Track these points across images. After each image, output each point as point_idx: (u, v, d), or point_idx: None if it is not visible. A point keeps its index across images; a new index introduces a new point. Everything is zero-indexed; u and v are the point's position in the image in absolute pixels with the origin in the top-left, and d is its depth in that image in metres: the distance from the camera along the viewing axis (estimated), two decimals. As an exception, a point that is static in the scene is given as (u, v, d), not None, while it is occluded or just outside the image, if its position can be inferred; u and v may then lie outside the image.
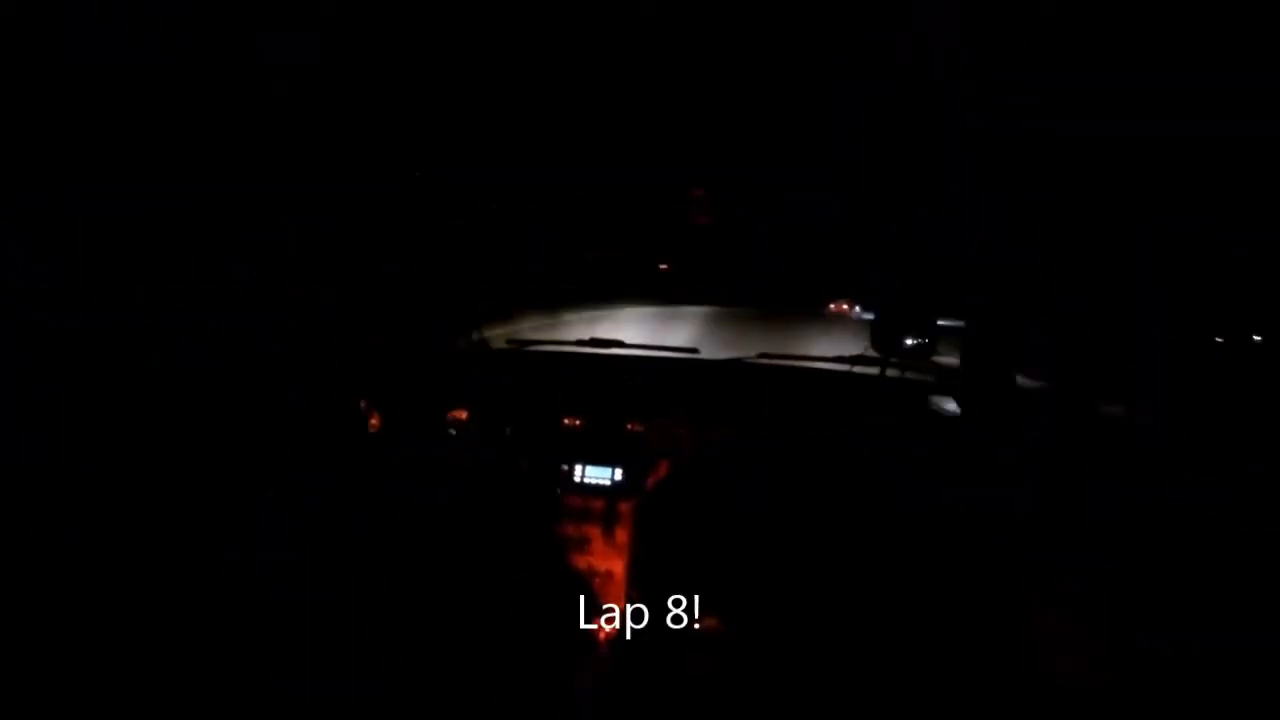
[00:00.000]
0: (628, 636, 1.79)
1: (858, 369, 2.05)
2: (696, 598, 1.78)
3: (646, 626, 1.78)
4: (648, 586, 1.82)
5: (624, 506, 1.83)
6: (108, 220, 2.14)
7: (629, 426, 1.93)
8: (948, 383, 1.96)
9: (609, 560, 1.85)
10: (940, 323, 1.91)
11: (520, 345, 2.33)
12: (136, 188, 2.17)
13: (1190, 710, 1.49)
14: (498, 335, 2.38)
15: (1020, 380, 1.89)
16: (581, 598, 1.84)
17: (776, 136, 2.16)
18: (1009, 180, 1.77)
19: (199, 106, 2.20)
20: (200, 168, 2.27)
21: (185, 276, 2.26)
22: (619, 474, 1.85)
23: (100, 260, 2.12)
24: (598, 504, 1.84)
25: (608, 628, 1.82)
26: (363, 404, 2.05)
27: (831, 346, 2.14)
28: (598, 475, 1.86)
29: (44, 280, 2.01)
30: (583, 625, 1.82)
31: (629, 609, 1.83)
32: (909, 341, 1.88)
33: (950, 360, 1.97)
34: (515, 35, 2.01)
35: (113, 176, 2.13)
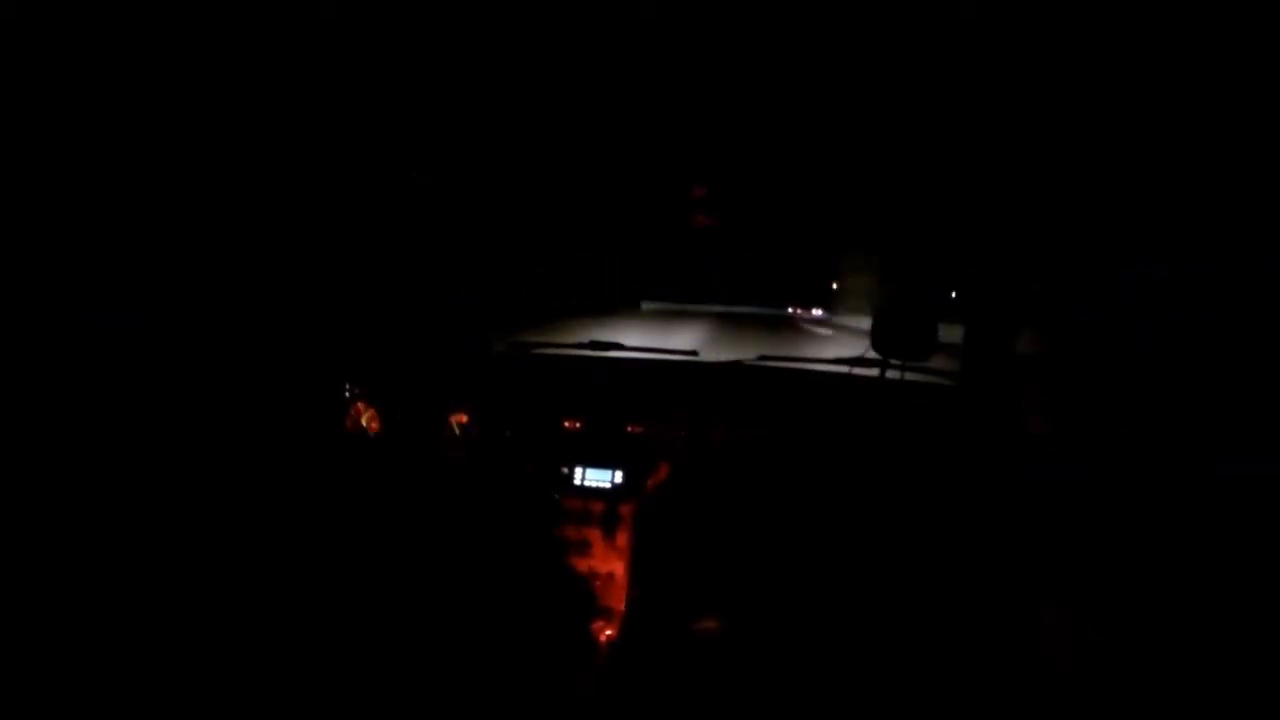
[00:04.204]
0: (628, 638, 1.79)
1: (857, 370, 2.05)
2: (696, 599, 1.78)
3: (647, 628, 1.78)
4: (648, 588, 1.82)
5: (624, 509, 1.83)
6: (107, 220, 2.14)
7: (629, 429, 1.92)
8: (948, 384, 1.96)
9: (610, 562, 1.85)
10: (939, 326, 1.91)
11: (520, 347, 2.33)
12: (137, 188, 2.17)
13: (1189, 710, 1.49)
14: (498, 337, 2.38)
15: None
16: (582, 599, 1.84)
17: (775, 140, 2.16)
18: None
19: (199, 106, 2.20)
20: (199, 167, 2.27)
21: (184, 276, 2.26)
22: (619, 476, 1.85)
23: (102, 260, 2.12)
24: (598, 506, 1.84)
25: (608, 629, 1.82)
26: (363, 406, 2.05)
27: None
28: (598, 478, 1.86)
29: (42, 280, 2.01)
30: (583, 627, 1.82)
31: (629, 610, 1.83)
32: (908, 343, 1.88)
33: (950, 361, 1.97)
34: (515, 36, 2.00)
35: (111, 176, 2.12)
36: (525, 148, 2.38)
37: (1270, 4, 1.74)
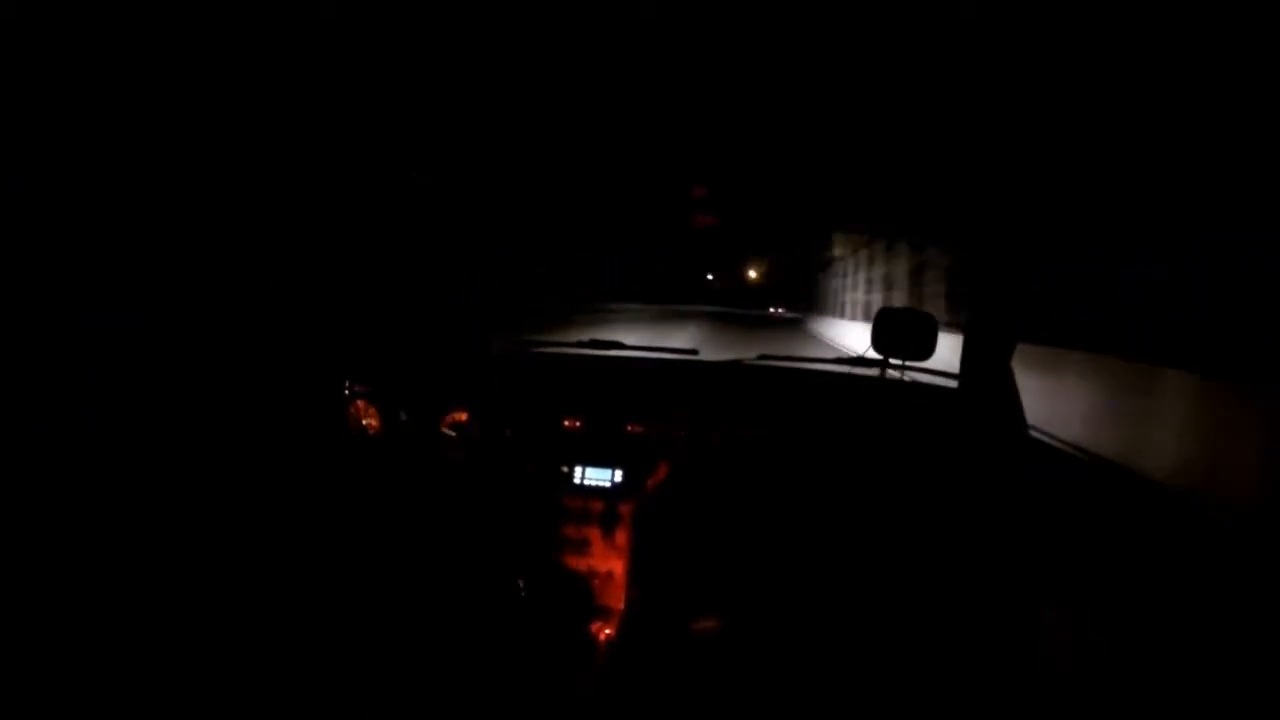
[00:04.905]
0: (627, 637, 1.79)
1: (857, 370, 2.06)
2: (696, 598, 1.78)
3: (646, 627, 1.78)
4: (647, 588, 1.82)
5: (624, 508, 1.83)
6: (107, 220, 2.14)
7: (629, 428, 1.92)
8: (947, 384, 1.96)
9: (609, 561, 1.85)
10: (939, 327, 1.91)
11: (520, 346, 2.33)
12: (137, 188, 2.17)
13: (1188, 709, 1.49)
14: (498, 337, 2.38)
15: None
16: (581, 599, 1.84)
17: (775, 140, 2.16)
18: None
19: (199, 106, 2.20)
20: (199, 167, 2.27)
21: (184, 276, 2.26)
22: (619, 476, 1.85)
23: (102, 260, 2.12)
24: (598, 506, 1.84)
25: (608, 629, 1.82)
26: (363, 406, 2.05)
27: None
28: (598, 477, 1.86)
29: (42, 280, 2.01)
30: (583, 626, 1.82)
31: (629, 610, 1.83)
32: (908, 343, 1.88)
33: (949, 362, 1.97)
34: (515, 36, 2.00)
35: (111, 176, 2.12)
36: (525, 148, 2.38)
37: (1270, 4, 1.75)
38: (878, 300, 17.67)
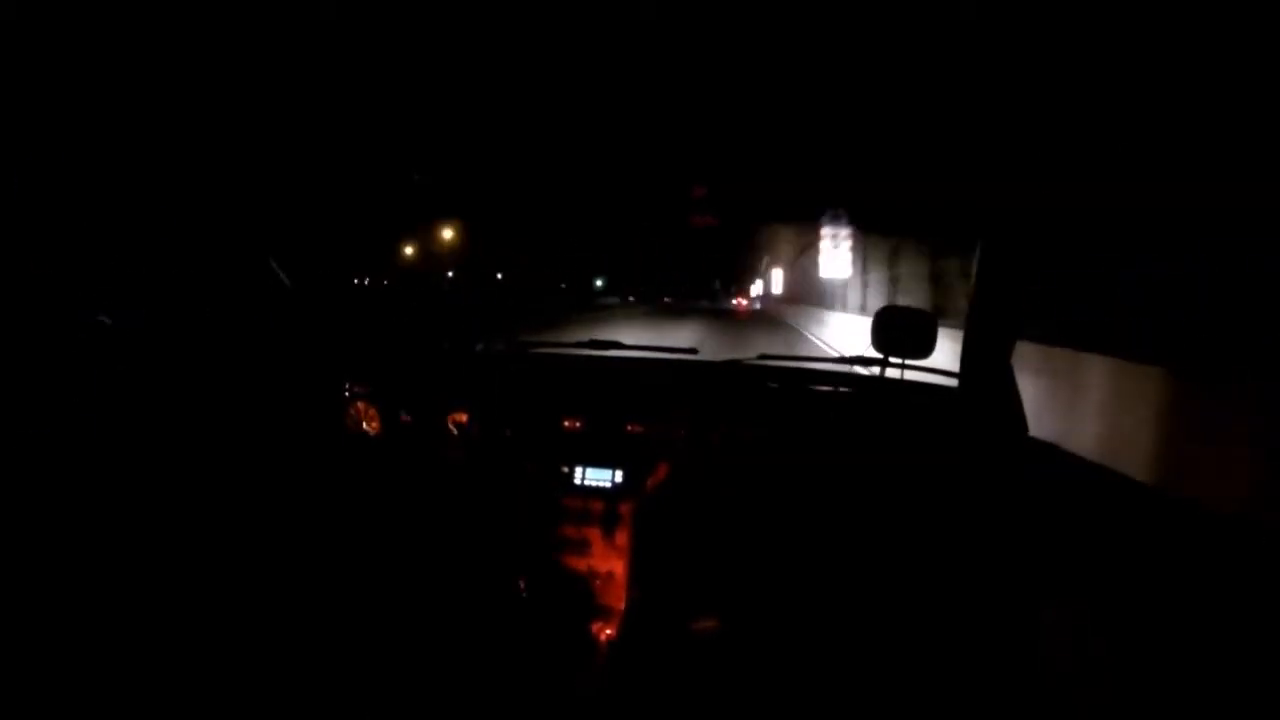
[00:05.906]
0: (628, 637, 1.79)
1: (857, 370, 2.06)
2: (696, 598, 1.78)
3: (646, 628, 1.78)
4: (647, 588, 1.82)
5: (624, 508, 1.83)
6: (107, 220, 2.14)
7: (629, 428, 1.92)
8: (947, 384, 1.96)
9: (609, 562, 1.85)
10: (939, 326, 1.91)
11: (520, 347, 2.34)
12: (137, 188, 2.17)
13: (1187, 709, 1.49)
14: (498, 337, 2.38)
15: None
16: (582, 599, 1.84)
17: (775, 140, 2.16)
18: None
19: (199, 106, 2.20)
20: (199, 167, 2.27)
21: (184, 276, 2.26)
22: (619, 476, 1.85)
23: (102, 260, 2.12)
24: (598, 506, 1.84)
25: (608, 629, 1.82)
26: (363, 406, 2.05)
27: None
28: (598, 477, 1.86)
29: (42, 279, 2.01)
30: (583, 626, 1.82)
31: (629, 610, 1.83)
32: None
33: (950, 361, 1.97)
34: (515, 36, 2.00)
35: (111, 176, 2.12)
36: (525, 148, 2.38)
37: (1270, 4, 1.75)
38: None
